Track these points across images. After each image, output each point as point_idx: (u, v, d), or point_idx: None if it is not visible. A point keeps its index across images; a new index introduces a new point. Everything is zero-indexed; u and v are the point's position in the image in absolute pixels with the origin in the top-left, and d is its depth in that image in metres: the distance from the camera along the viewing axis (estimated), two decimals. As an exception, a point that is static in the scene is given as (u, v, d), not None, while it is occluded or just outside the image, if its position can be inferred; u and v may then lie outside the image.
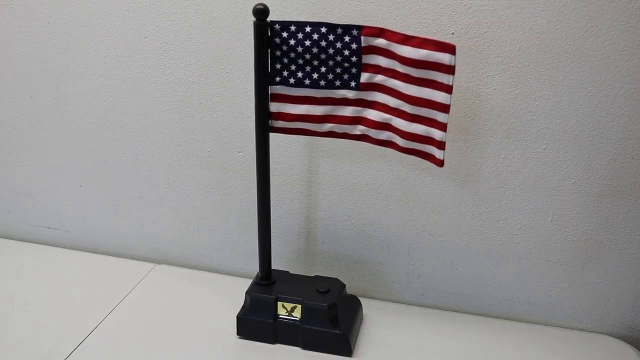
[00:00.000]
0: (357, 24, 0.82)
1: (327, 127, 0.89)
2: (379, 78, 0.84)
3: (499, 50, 0.93)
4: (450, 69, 0.78)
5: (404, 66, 0.81)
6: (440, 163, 0.84)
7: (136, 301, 1.09)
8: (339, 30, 0.82)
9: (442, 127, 0.82)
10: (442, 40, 0.78)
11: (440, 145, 0.83)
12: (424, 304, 1.13)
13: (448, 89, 0.79)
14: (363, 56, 0.83)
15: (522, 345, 1.01)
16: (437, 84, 0.80)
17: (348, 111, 0.88)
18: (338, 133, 0.90)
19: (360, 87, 0.85)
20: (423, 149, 0.86)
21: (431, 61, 0.78)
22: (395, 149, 0.88)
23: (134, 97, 1.11)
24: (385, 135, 0.88)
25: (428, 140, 0.84)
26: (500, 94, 0.96)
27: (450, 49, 0.77)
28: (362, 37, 0.82)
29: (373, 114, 0.87)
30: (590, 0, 0.87)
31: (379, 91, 0.85)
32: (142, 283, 1.14)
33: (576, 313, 1.07)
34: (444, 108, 0.81)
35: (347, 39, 0.82)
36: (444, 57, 0.78)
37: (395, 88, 0.83)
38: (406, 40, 0.79)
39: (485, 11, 0.91)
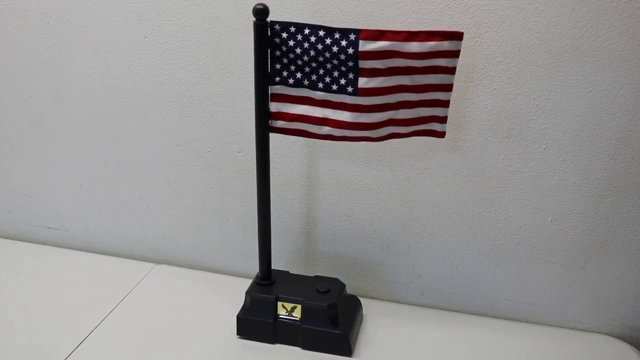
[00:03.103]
0: (356, 26, 0.82)
1: (326, 130, 0.88)
2: (378, 81, 0.84)
3: (499, 50, 0.93)
4: (456, 54, 0.81)
5: (407, 60, 0.81)
6: (442, 135, 0.88)
7: (136, 301, 1.09)
8: (337, 34, 0.81)
9: (446, 104, 0.85)
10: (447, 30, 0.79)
11: (443, 120, 0.86)
12: (424, 304, 1.13)
13: (452, 71, 0.82)
14: (361, 61, 0.82)
15: (522, 345, 1.01)
16: (442, 68, 0.82)
17: (346, 116, 0.86)
18: (337, 137, 0.89)
19: (359, 92, 0.84)
20: (425, 128, 0.88)
21: (438, 50, 0.80)
22: (397, 138, 0.89)
23: (134, 97, 1.11)
24: (386, 130, 0.88)
25: (431, 118, 0.87)
26: (500, 94, 0.96)
27: (457, 36, 0.79)
28: (361, 42, 0.80)
29: (373, 117, 0.86)
30: (590, 0, 0.87)
31: (379, 94, 0.85)
32: (142, 283, 1.14)
33: (576, 313, 1.07)
34: (448, 87, 0.83)
35: (344, 43, 0.81)
36: (451, 45, 0.80)
37: (397, 84, 0.84)
38: (411, 37, 0.80)
39: (485, 11, 0.91)
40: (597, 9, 0.87)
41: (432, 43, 0.79)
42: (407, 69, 0.82)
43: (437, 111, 0.86)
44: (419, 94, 0.84)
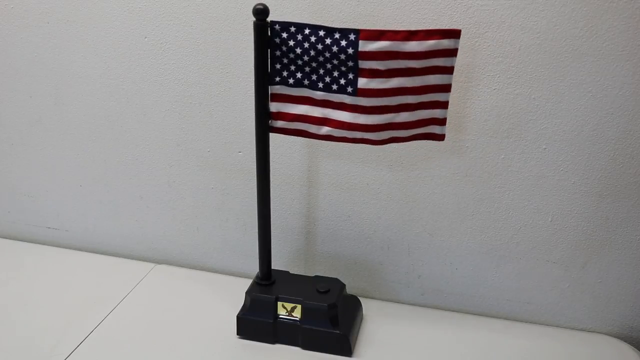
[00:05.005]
0: (356, 26, 0.82)
1: (325, 130, 0.88)
2: (378, 82, 0.83)
3: (499, 50, 0.93)
4: (453, 52, 0.80)
5: (407, 61, 0.81)
6: (442, 137, 0.87)
7: (136, 301, 1.09)
8: (337, 34, 0.81)
9: (444, 105, 0.85)
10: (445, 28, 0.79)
11: (442, 122, 0.86)
12: (424, 304, 1.13)
13: (450, 70, 0.82)
14: (361, 61, 0.82)
15: (522, 345, 1.01)
16: (440, 68, 0.82)
17: (345, 116, 0.86)
18: (336, 137, 0.89)
19: (358, 92, 0.84)
20: (424, 131, 0.88)
21: (436, 49, 0.80)
22: (397, 142, 0.89)
23: (134, 97, 1.11)
24: (386, 134, 0.87)
25: (430, 121, 0.86)
26: (500, 94, 0.96)
27: (456, 34, 0.79)
28: (360, 42, 0.80)
29: (372, 118, 0.86)
30: (590, 0, 0.87)
31: (378, 96, 0.84)
32: (142, 283, 1.14)
33: (576, 313, 1.07)
34: (446, 88, 0.83)
35: (343, 43, 0.81)
36: (449, 43, 0.80)
37: (397, 86, 0.83)
38: (410, 36, 0.80)
39: (485, 11, 0.91)
40: (597, 9, 0.87)
41: (431, 42, 0.79)
42: (407, 70, 0.82)
43: (436, 113, 0.86)
44: (419, 96, 0.84)
